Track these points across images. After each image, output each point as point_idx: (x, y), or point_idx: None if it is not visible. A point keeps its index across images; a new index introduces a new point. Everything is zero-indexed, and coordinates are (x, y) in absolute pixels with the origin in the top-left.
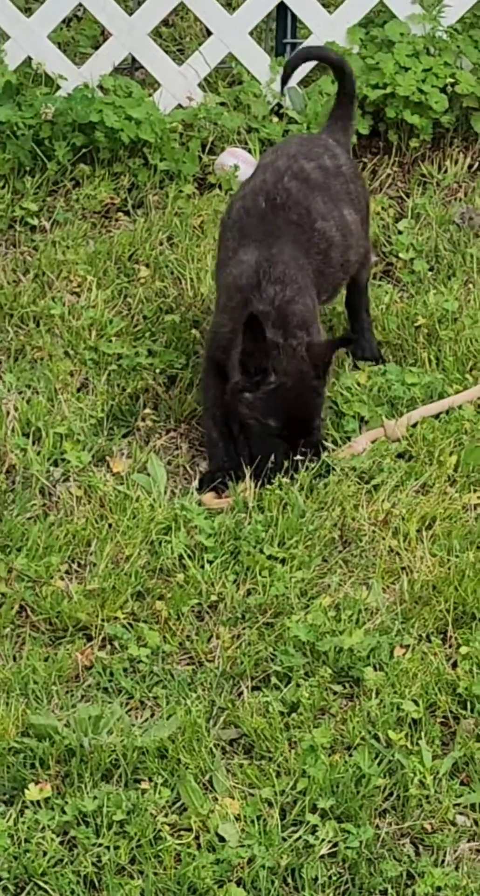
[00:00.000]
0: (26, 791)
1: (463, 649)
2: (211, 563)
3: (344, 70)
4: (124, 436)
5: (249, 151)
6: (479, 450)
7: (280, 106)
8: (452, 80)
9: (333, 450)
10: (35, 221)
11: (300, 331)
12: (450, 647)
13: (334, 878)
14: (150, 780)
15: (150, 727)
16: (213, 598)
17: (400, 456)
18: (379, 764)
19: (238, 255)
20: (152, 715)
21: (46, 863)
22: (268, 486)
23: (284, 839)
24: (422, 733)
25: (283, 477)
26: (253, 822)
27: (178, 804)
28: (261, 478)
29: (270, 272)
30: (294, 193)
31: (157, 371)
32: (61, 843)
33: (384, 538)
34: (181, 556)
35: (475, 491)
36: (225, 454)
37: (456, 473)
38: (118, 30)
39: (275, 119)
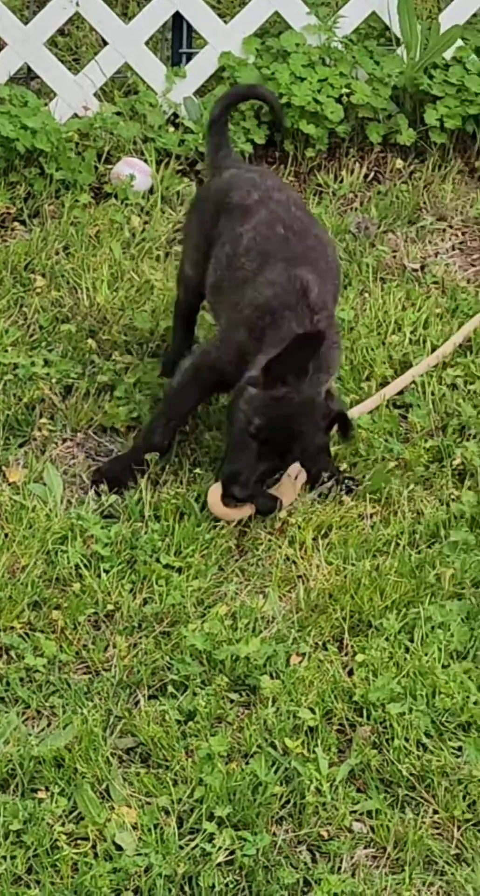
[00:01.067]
0: None
1: (359, 657)
2: (107, 572)
3: (275, 106)
4: (20, 445)
5: (145, 161)
6: (382, 474)
7: (176, 115)
8: (347, 91)
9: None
10: None
11: (326, 374)
12: (346, 654)
13: (231, 885)
14: (47, 789)
15: (47, 736)
16: (110, 607)
17: None
18: (275, 772)
19: (263, 274)
20: (49, 724)
21: None
22: (168, 496)
23: (181, 847)
24: (319, 741)
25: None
26: (150, 830)
27: (75, 813)
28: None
29: (307, 293)
30: (305, 222)
31: (54, 381)
32: None
33: (280, 546)
34: (77, 566)
35: (370, 500)
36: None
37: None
38: (13, 39)
39: (171, 129)
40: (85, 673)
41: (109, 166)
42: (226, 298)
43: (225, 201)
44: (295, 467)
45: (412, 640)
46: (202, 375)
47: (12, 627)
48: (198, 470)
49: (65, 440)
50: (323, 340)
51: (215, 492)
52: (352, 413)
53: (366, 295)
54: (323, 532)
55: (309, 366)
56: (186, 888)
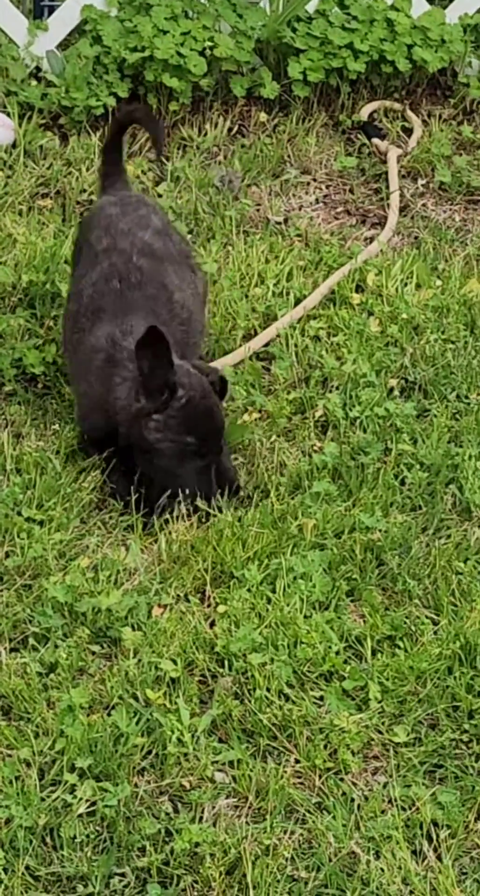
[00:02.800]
0: None
1: (221, 608)
2: None
3: (155, 132)
4: None
5: (8, 115)
6: (241, 427)
7: (38, 69)
8: (211, 44)
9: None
10: None
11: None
12: (209, 606)
13: (92, 836)
14: None
15: None
16: None
17: None
18: (137, 723)
19: (93, 332)
20: None
21: None
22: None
23: (42, 799)
24: (180, 692)
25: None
26: (10, 782)
27: None
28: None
29: (123, 343)
30: (147, 271)
31: None
32: None
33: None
34: None
35: (234, 453)
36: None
37: None
38: None
39: (34, 83)
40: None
41: None
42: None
43: (86, 236)
44: None
45: (274, 591)
46: (88, 442)
47: None
48: (56, 426)
49: None
50: (160, 332)
51: None
52: (216, 365)
53: (230, 248)
54: None
55: (171, 355)
56: (47, 839)
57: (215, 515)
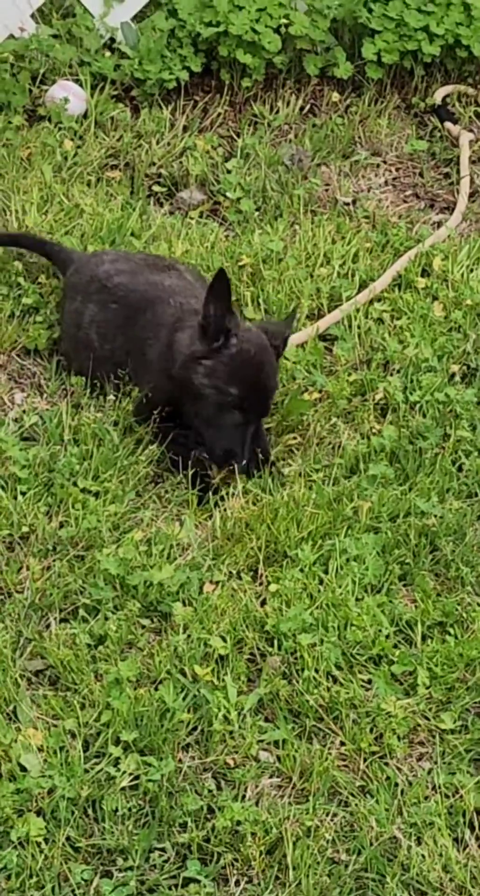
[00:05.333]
0: None
1: (273, 587)
2: (24, 494)
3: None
4: None
5: (80, 85)
6: (301, 402)
7: (112, 40)
8: (286, 21)
9: None
10: None
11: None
12: (260, 584)
13: (134, 809)
14: None
15: None
16: (25, 529)
17: None
18: (184, 699)
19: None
20: None
21: None
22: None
23: (86, 771)
24: (229, 669)
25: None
26: (55, 752)
27: None
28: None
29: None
30: None
31: None
32: None
33: None
34: None
35: (292, 432)
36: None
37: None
38: None
39: (107, 53)
40: None
41: (44, 88)
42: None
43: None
44: None
45: (326, 572)
46: (149, 408)
47: None
48: (113, 397)
49: None
50: (226, 277)
51: None
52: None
53: (296, 227)
54: None
55: (231, 302)
56: (89, 811)
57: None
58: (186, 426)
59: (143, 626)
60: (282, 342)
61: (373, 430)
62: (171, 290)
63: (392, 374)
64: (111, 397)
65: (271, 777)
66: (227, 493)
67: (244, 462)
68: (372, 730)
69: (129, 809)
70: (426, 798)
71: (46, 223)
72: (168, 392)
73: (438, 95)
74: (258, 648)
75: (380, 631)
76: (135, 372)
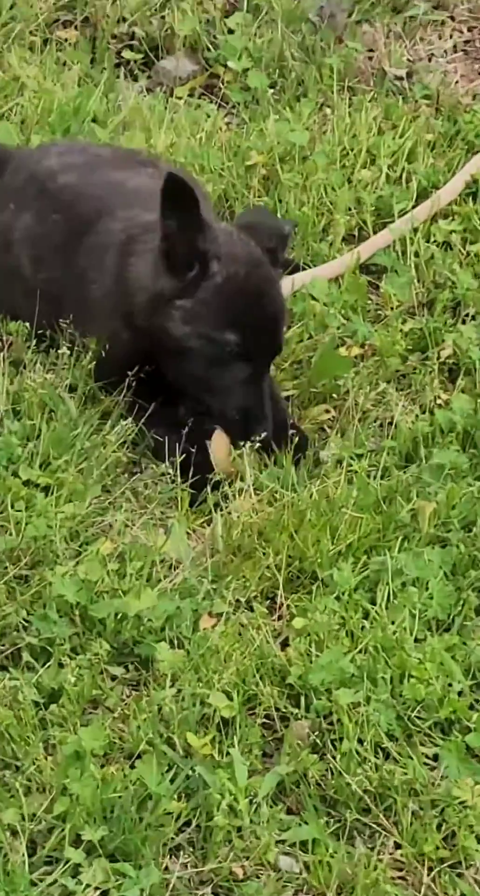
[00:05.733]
0: None
1: (298, 622)
2: None
3: None
4: None
5: None
6: (337, 359)
7: None
8: None
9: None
10: None
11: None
12: (280, 618)
13: None
14: None
15: None
16: None
17: None
18: (172, 780)
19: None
20: None
21: None
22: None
23: (33, 884)
24: (235, 739)
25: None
26: None
27: None
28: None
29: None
30: None
31: None
32: None
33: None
34: None
35: (323, 403)
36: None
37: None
38: None
39: None
40: None
41: None
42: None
43: None
44: None
45: (373, 602)
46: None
47: None
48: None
49: None
50: (182, 181)
51: (221, 444)
52: (305, 278)
53: (328, 111)
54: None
55: (199, 212)
56: None
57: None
58: (172, 392)
59: (114, 677)
60: (280, 243)
61: (439, 401)
62: (134, 196)
63: (464, 322)
64: (64, 351)
65: (296, 893)
66: (233, 489)
67: (268, 424)
68: (439, 827)
69: None
70: None
71: None
72: (132, 345)
73: None
74: (277, 709)
75: (450, 686)
76: (77, 317)
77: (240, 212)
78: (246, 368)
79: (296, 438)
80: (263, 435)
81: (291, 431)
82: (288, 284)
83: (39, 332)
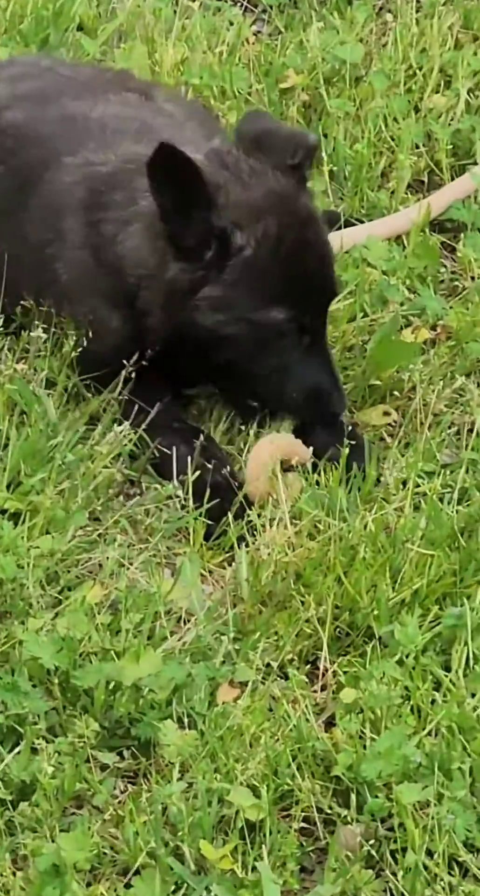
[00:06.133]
0: None
1: (348, 694)
2: None
3: None
4: None
5: None
6: (401, 346)
7: None
8: None
9: None
10: None
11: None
12: (323, 688)
13: None
14: None
15: None
16: None
17: None
18: None
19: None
20: None
21: None
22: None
23: None
24: (264, 849)
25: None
26: None
27: None
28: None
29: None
30: None
31: None
32: None
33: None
34: None
35: (382, 402)
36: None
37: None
38: None
39: None
40: None
41: None
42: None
43: None
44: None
45: (447, 668)
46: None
47: None
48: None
49: None
50: (174, 148)
51: (262, 457)
52: (357, 236)
53: (388, 17)
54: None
55: (202, 180)
56: None
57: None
58: (184, 386)
59: (105, 767)
60: (305, 155)
61: None
62: (95, 133)
63: None
64: (39, 335)
65: None
66: (262, 517)
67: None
68: None
69: None
70: None
71: None
72: (124, 331)
73: None
74: (319, 810)
75: None
76: (42, 298)
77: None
78: (301, 340)
79: (350, 445)
80: (340, 411)
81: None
82: (335, 242)
83: (4, 313)
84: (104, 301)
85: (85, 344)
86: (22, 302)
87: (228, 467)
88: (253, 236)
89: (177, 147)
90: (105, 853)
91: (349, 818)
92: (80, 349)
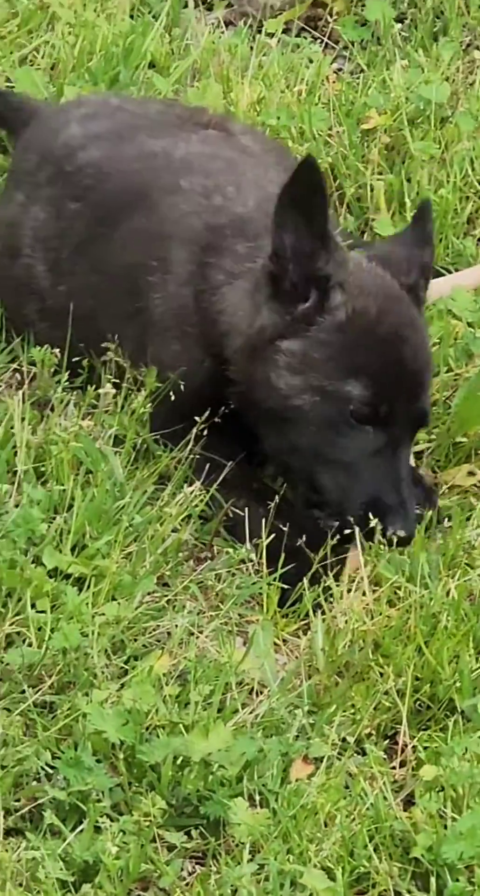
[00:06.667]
0: None
1: (429, 771)
2: None
3: None
4: None
5: None
6: (477, 399)
7: None
8: None
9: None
10: None
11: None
12: (402, 765)
13: None
14: None
15: None
16: None
17: None
18: None
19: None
20: None
21: None
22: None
23: None
24: None
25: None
26: None
27: None
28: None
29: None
30: None
31: None
32: None
33: None
34: None
35: (467, 461)
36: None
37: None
38: None
39: None
40: None
41: None
42: None
43: None
44: None
45: None
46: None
47: None
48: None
49: None
50: (314, 165)
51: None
52: (442, 287)
53: (476, 53)
54: None
55: (326, 220)
56: None
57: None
58: (259, 446)
59: (172, 847)
60: (419, 273)
61: None
62: (187, 169)
63: None
64: (108, 390)
65: None
66: (339, 583)
67: (411, 518)
68: None
69: None
70: None
71: None
72: (211, 381)
73: None
74: (397, 894)
75: None
76: (123, 339)
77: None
78: (375, 438)
79: (427, 506)
80: (403, 535)
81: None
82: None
83: (73, 359)
84: (193, 344)
85: (161, 395)
86: (101, 344)
87: (304, 532)
88: (352, 303)
89: (318, 167)
90: None
91: None
92: (155, 399)
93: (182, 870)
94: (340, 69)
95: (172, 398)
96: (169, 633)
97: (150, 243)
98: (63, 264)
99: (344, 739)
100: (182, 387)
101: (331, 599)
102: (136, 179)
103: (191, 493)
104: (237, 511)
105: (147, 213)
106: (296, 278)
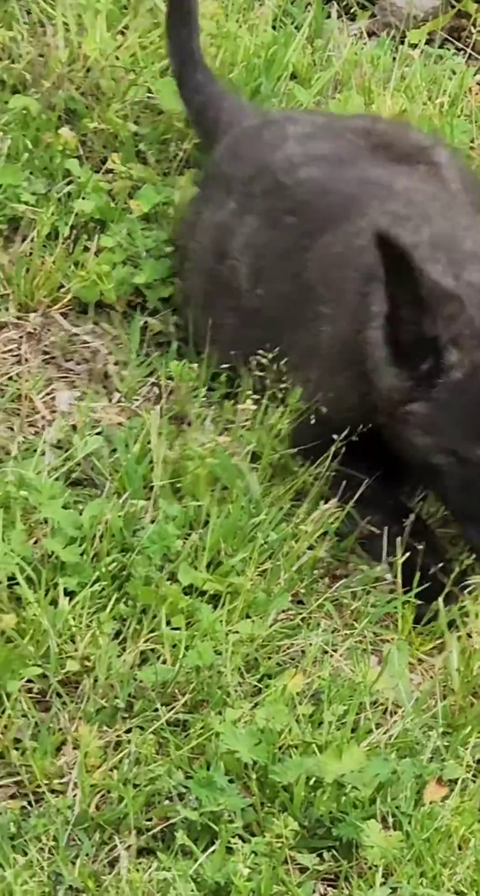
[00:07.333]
0: None
1: None
2: (70, 596)
3: None
4: None
5: None
6: None
7: None
8: None
9: None
10: None
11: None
12: None
13: None
14: None
15: None
16: (71, 668)
17: None
18: None
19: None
20: None
21: None
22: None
23: None
24: None
25: None
26: None
27: None
28: None
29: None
30: None
31: None
32: None
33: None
34: (11, 582)
35: None
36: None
37: None
38: None
39: None
40: (13, 797)
41: None
42: None
43: None
44: None
45: None
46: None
47: None
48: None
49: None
50: (408, 253)
51: None
52: None
53: None
54: None
55: (420, 280)
56: None
57: None
58: (397, 463)
59: (304, 869)
60: None
61: None
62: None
63: None
64: (247, 406)
65: None
66: (477, 602)
67: None
68: None
69: None
70: None
71: (125, 51)
72: (357, 411)
73: None
74: None
75: None
76: (292, 349)
77: None
78: None
79: None
80: None
81: None
82: None
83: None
84: (352, 375)
85: (312, 417)
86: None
87: (441, 552)
88: (469, 359)
89: (393, 236)
90: None
91: None
92: (299, 419)
93: (314, 892)
94: None
95: (318, 422)
96: (303, 652)
97: (332, 266)
98: (266, 270)
99: (479, 761)
100: (330, 412)
101: (467, 619)
102: (354, 201)
103: (327, 509)
104: (373, 528)
105: (341, 242)
106: (406, 341)
